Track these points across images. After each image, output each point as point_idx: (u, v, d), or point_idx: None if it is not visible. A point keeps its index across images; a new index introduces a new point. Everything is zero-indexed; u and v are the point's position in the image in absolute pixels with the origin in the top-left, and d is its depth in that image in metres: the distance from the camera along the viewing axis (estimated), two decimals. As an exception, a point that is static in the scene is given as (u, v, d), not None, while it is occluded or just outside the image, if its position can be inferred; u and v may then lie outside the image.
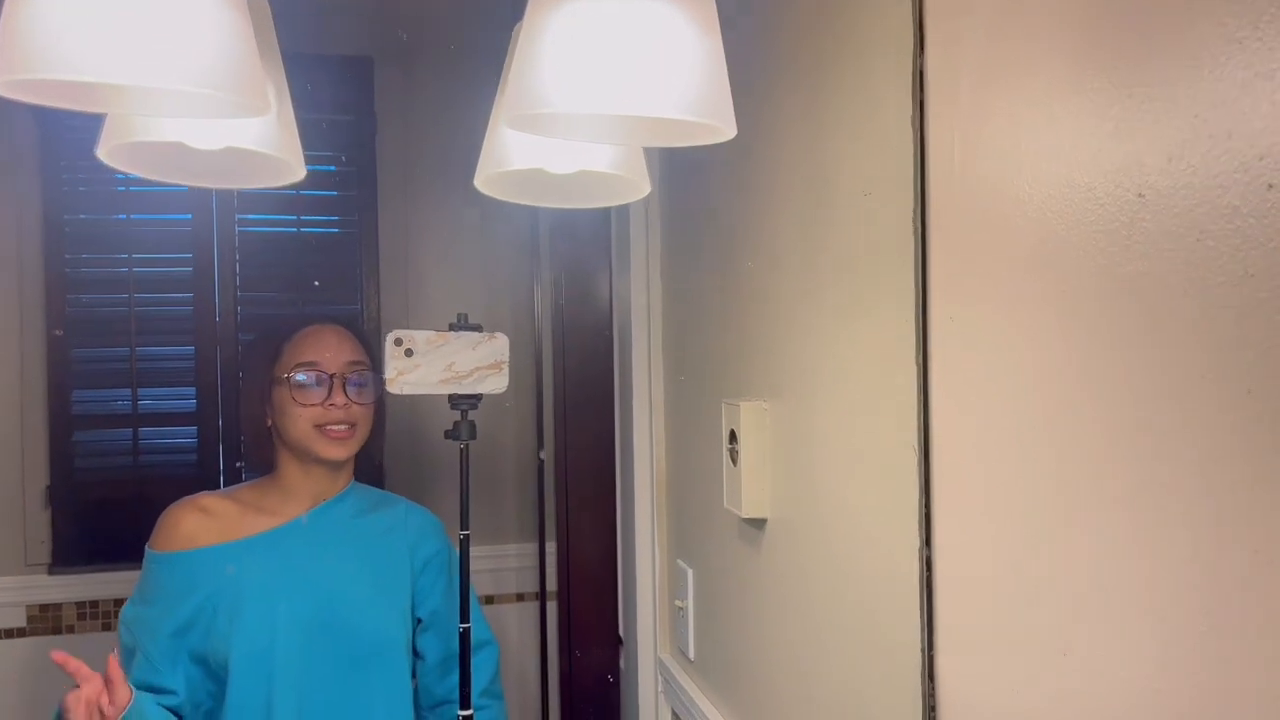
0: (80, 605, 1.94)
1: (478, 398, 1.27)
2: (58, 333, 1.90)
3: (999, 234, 0.68)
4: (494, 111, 1.04)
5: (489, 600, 2.07)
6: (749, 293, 1.16)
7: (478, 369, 1.24)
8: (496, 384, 1.26)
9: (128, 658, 1.32)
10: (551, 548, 1.93)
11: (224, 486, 1.45)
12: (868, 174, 0.86)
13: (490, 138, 1.03)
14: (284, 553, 1.35)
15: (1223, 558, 0.51)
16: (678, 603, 1.47)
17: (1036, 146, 0.65)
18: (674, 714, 1.53)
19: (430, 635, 1.44)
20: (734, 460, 1.16)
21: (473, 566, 1.31)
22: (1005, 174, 0.68)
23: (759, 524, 1.14)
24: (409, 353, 1.21)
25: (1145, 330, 0.56)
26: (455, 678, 1.35)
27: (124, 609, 1.35)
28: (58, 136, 1.89)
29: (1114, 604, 0.59)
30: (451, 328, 1.24)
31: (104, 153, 0.89)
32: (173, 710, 1.29)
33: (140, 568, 1.36)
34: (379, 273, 2.04)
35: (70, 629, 1.95)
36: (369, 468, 1.52)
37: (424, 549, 1.44)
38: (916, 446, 0.78)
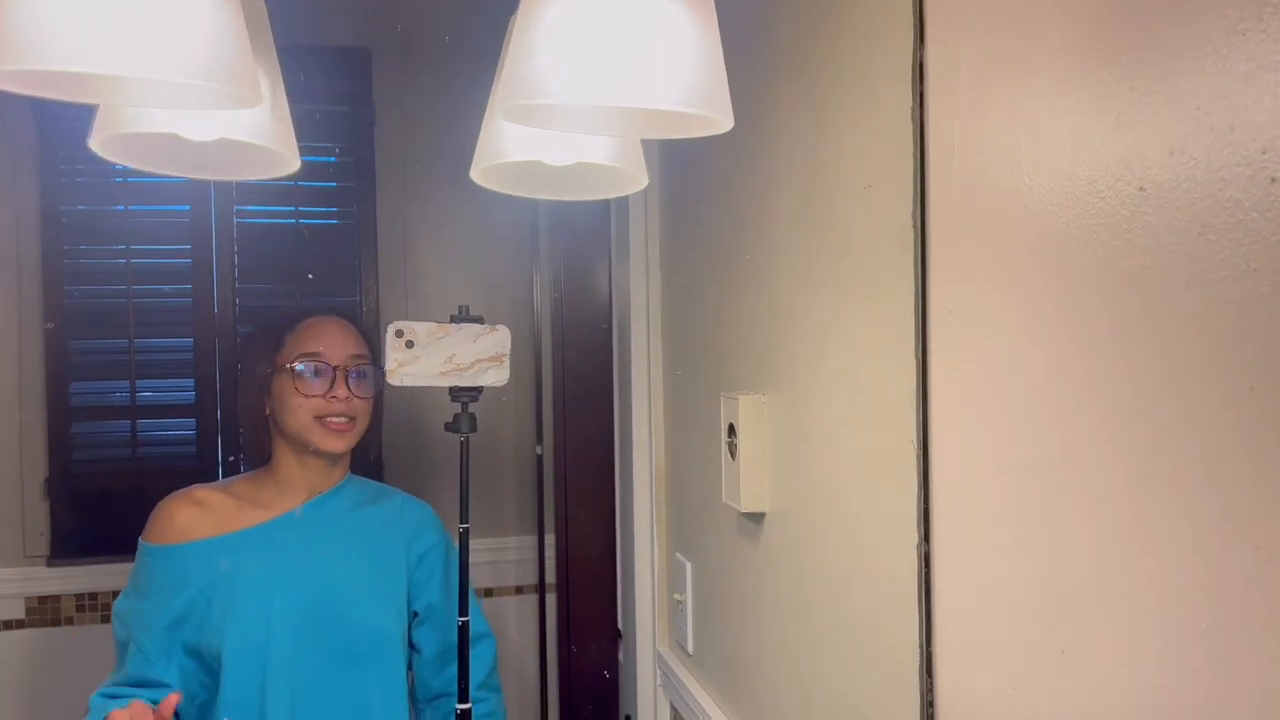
0: (79, 597, 1.95)
1: (479, 390, 1.26)
2: (49, 325, 1.90)
3: (999, 227, 0.68)
4: (490, 103, 1.04)
5: (488, 593, 2.08)
6: (748, 286, 1.15)
7: (479, 361, 1.24)
8: (497, 376, 1.25)
9: (121, 651, 1.32)
10: (550, 541, 1.93)
11: (222, 479, 1.44)
12: (867, 167, 0.86)
13: (486, 129, 1.02)
14: (279, 546, 1.35)
15: (1225, 554, 0.51)
16: (676, 596, 1.47)
17: (1037, 139, 0.64)
18: (672, 707, 1.53)
19: (427, 628, 1.43)
20: (732, 454, 1.15)
21: (472, 559, 1.31)
22: (1005, 167, 0.67)
23: (757, 518, 1.14)
24: (410, 344, 1.20)
25: (1146, 325, 0.55)
26: (452, 671, 1.35)
27: (117, 602, 1.34)
28: (55, 127, 1.88)
29: (1115, 600, 0.58)
30: (453, 319, 1.23)
31: (97, 143, 0.88)
32: None
33: (138, 560, 1.36)
34: (377, 264, 2.04)
35: (69, 621, 1.95)
36: (368, 461, 1.52)
37: (420, 542, 1.44)
38: (915, 441, 0.78)
